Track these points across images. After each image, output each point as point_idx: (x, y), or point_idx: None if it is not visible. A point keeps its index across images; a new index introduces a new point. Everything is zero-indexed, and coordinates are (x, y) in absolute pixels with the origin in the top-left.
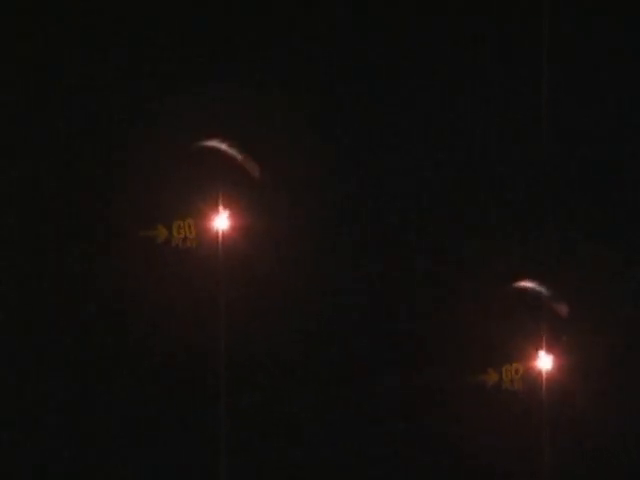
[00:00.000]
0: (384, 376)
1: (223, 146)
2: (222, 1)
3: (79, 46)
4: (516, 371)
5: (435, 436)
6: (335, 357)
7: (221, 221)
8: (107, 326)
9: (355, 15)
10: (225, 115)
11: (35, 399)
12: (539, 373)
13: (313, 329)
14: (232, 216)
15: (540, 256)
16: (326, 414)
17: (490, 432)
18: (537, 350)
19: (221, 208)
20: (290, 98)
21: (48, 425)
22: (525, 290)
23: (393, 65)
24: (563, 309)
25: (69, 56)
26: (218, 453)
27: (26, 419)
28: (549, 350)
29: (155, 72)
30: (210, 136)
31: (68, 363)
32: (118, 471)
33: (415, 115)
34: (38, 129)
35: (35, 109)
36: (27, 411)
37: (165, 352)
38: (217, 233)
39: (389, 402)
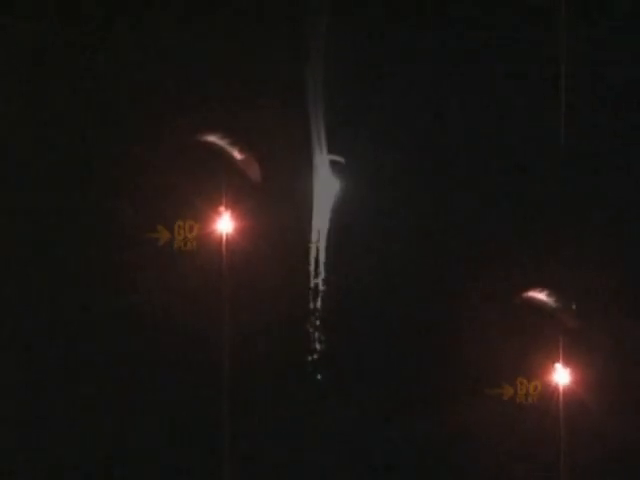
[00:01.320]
0: (394, 388)
1: (224, 144)
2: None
3: (80, 46)
4: (531, 385)
5: (446, 452)
6: (339, 362)
7: (225, 223)
8: (109, 327)
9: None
10: (227, 114)
11: (33, 400)
12: (556, 387)
13: (318, 333)
14: (235, 218)
15: (554, 267)
16: (328, 419)
17: (504, 448)
18: (554, 363)
19: (224, 209)
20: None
21: (50, 425)
22: (538, 301)
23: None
24: (573, 321)
25: (68, 56)
26: (221, 455)
27: (27, 420)
28: (566, 363)
29: (157, 70)
30: (211, 134)
31: (68, 364)
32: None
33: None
34: (36, 130)
35: (32, 109)
36: (28, 411)
37: (168, 353)
38: (221, 235)
39: (398, 415)
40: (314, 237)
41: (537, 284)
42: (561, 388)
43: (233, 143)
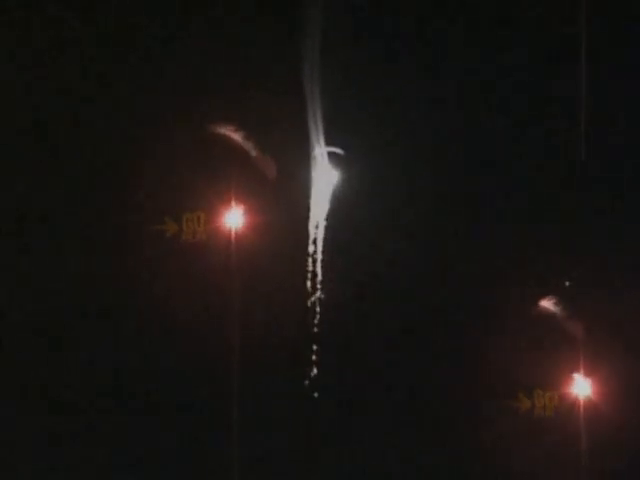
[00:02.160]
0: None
1: (237, 137)
2: None
3: (88, 38)
4: (549, 397)
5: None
6: (351, 364)
7: (234, 218)
8: (116, 322)
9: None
10: (241, 107)
11: (41, 396)
12: (576, 399)
13: (329, 332)
14: (246, 213)
15: (570, 277)
16: (342, 424)
17: (522, 462)
18: (572, 374)
19: (234, 203)
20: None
21: (56, 423)
22: (550, 311)
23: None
24: (578, 329)
25: (75, 49)
26: (231, 448)
27: (31, 418)
28: (587, 374)
29: (166, 61)
30: (224, 126)
31: (78, 357)
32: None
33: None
34: (42, 124)
35: (37, 103)
36: (34, 410)
37: (176, 347)
38: (229, 229)
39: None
40: (311, 248)
41: (550, 293)
42: (582, 400)
43: (247, 137)
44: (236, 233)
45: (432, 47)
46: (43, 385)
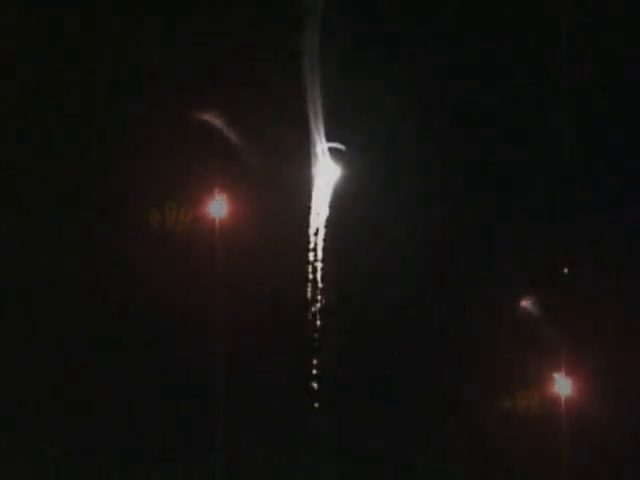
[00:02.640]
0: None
1: (219, 125)
2: None
3: (78, 27)
4: (532, 396)
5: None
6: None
7: (218, 207)
8: (101, 311)
9: None
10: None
11: (29, 389)
12: (557, 398)
13: (313, 323)
14: (230, 202)
15: (552, 277)
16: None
17: (505, 462)
18: (555, 374)
19: (218, 193)
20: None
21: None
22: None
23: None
24: (559, 329)
25: (64, 37)
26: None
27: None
28: (568, 374)
29: (151, 52)
30: (208, 116)
31: (64, 351)
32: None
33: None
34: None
35: (27, 93)
36: (24, 403)
37: (161, 338)
38: (213, 219)
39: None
40: (311, 254)
41: (532, 294)
42: (563, 399)
43: (230, 125)
44: (220, 223)
45: (432, 46)
46: (37, 382)
